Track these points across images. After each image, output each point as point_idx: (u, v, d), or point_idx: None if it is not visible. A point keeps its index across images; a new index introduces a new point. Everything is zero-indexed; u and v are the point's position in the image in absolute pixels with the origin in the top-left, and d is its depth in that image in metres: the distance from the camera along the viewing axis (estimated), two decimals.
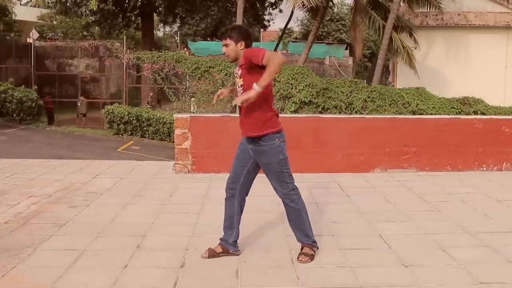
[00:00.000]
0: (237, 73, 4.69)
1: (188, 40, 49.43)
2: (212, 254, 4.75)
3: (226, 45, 4.63)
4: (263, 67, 4.35)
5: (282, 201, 4.78)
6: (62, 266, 4.52)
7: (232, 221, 4.83)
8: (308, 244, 4.77)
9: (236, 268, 4.53)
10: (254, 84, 4.33)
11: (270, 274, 4.40)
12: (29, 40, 31.17)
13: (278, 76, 22.79)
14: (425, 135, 8.81)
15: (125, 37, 29.95)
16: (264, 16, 39.52)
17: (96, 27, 39.92)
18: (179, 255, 4.82)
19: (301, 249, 4.77)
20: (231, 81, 4.68)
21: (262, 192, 5.84)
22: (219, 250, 4.78)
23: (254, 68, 4.45)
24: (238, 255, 4.80)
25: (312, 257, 4.70)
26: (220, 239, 4.85)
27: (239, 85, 4.63)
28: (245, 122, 4.64)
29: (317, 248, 4.81)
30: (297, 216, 4.75)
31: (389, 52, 25.23)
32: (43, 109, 28.01)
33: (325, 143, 8.68)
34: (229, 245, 4.80)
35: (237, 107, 4.71)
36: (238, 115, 4.77)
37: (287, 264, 4.62)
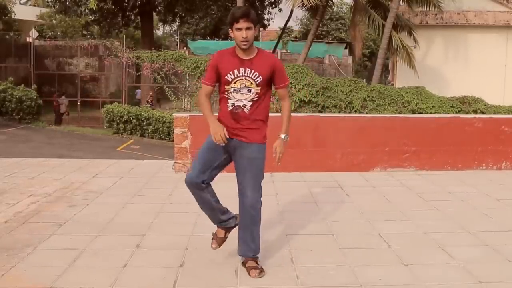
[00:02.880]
0: (249, 75, 4.21)
1: (188, 39, 49.46)
2: (220, 242, 4.62)
3: (249, 28, 4.11)
4: (269, 86, 4.27)
5: (246, 210, 4.32)
6: (61, 265, 4.53)
7: (210, 205, 4.47)
8: (255, 258, 4.44)
9: (236, 267, 4.52)
10: (283, 135, 4.32)
11: (269, 273, 4.40)
12: (29, 39, 31.17)
13: None
14: (424, 134, 8.81)
15: (124, 36, 29.96)
16: (264, 15, 39.46)
17: (96, 26, 39.90)
18: (178, 254, 4.81)
19: (245, 263, 4.42)
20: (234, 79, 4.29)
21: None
22: (222, 233, 4.61)
23: (269, 82, 4.28)
24: (237, 221, 4.54)
25: (262, 269, 4.37)
26: (216, 224, 4.62)
27: (249, 91, 4.23)
28: (248, 127, 4.26)
29: (259, 260, 4.49)
30: (254, 228, 4.40)
31: (388, 51, 25.20)
32: (53, 108, 28.15)
33: (324, 142, 8.68)
34: (227, 222, 4.58)
35: (233, 108, 4.27)
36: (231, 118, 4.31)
37: (287, 263, 4.62)
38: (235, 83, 4.22)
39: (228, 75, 4.21)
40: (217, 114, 4.43)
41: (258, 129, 4.31)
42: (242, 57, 4.22)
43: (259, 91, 4.24)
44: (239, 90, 4.22)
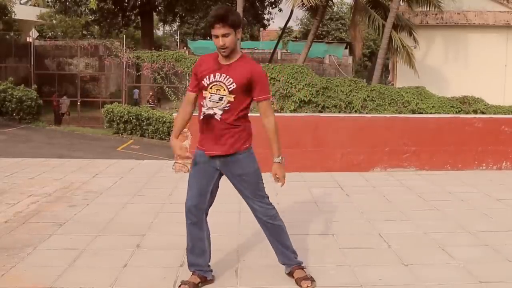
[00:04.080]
0: (223, 81, 3.89)
1: (188, 39, 49.48)
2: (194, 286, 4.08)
3: (225, 35, 3.78)
4: (249, 97, 3.95)
5: (262, 222, 4.16)
6: (61, 265, 4.53)
7: (203, 246, 4.13)
8: (298, 266, 4.27)
9: (236, 267, 4.53)
10: (277, 158, 3.98)
11: (269, 274, 4.40)
12: (29, 39, 31.17)
13: (277, 75, 22.81)
14: (424, 134, 8.81)
15: (124, 36, 29.95)
16: (264, 15, 39.49)
17: (96, 26, 39.95)
18: (178, 254, 4.81)
19: (292, 273, 4.23)
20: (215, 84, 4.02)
21: None
22: (197, 280, 4.10)
23: (246, 92, 3.91)
24: (213, 281, 4.21)
25: (312, 279, 4.18)
26: (194, 268, 4.15)
27: (221, 99, 3.89)
28: (224, 137, 3.94)
29: (305, 267, 4.35)
30: (281, 233, 4.23)
31: (388, 51, 25.21)
32: (53, 108, 28.15)
33: (324, 142, 8.68)
34: (206, 272, 4.17)
35: (204, 117, 3.97)
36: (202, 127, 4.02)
37: None
38: (210, 88, 3.90)
39: (205, 79, 3.93)
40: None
41: (235, 135, 3.96)
42: (221, 62, 3.93)
43: (232, 99, 3.88)
44: (213, 98, 3.90)
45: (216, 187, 4.15)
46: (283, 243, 4.26)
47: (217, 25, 3.76)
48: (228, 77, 3.89)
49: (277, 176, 4.06)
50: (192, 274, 4.15)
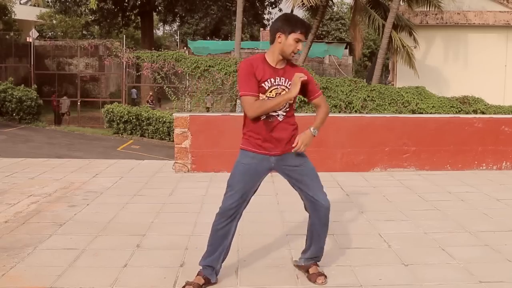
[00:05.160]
0: (284, 84, 4.02)
1: (188, 39, 49.46)
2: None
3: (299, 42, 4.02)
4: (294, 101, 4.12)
5: (319, 211, 4.18)
6: (61, 265, 4.52)
7: (224, 244, 4.12)
8: (316, 262, 4.36)
9: (236, 267, 4.52)
10: (312, 128, 4.09)
11: (270, 274, 4.40)
12: (29, 39, 31.17)
13: None
14: (425, 134, 8.81)
15: (124, 36, 29.94)
16: (264, 15, 39.56)
17: (96, 26, 39.99)
18: (179, 254, 4.81)
19: (308, 268, 4.31)
20: (272, 87, 4.07)
21: (261, 191, 5.82)
22: (202, 281, 4.09)
23: (299, 93, 4.03)
24: (216, 283, 4.18)
25: (325, 276, 4.26)
26: (205, 266, 4.14)
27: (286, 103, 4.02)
28: (286, 136, 4.09)
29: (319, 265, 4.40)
30: (328, 225, 4.28)
31: (388, 51, 25.22)
32: (53, 108, 28.14)
33: (324, 142, 8.67)
34: (212, 275, 4.14)
35: (267, 118, 4.02)
36: (270, 125, 4.05)
37: (287, 263, 4.62)
38: (270, 92, 3.99)
39: (266, 83, 3.97)
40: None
41: (295, 132, 4.13)
42: (274, 65, 4.03)
43: (291, 101, 4.06)
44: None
45: (257, 188, 4.20)
46: (325, 236, 4.31)
47: (303, 33, 3.98)
48: (287, 80, 4.01)
49: (299, 138, 4.05)
50: (198, 274, 4.14)
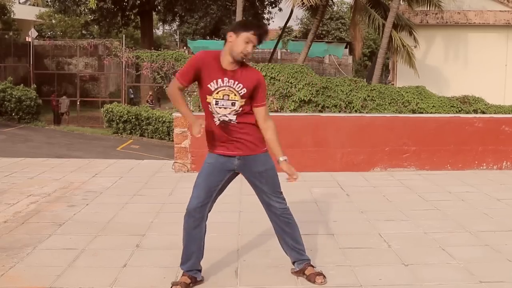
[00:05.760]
0: (232, 86, 3.93)
1: (188, 39, 49.45)
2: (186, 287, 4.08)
3: (254, 47, 3.96)
4: (249, 101, 4.00)
5: (277, 218, 4.22)
6: (61, 265, 4.51)
7: (200, 245, 4.12)
8: (308, 263, 4.30)
9: (236, 267, 4.52)
10: (282, 158, 4.04)
11: (269, 274, 4.39)
12: (28, 39, 31.17)
13: (277, 74, 22.79)
14: (425, 134, 8.80)
15: (124, 36, 29.95)
16: (264, 15, 39.51)
17: (95, 26, 39.96)
18: (178, 254, 4.77)
19: (304, 270, 4.25)
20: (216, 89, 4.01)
21: None
22: (188, 281, 4.08)
23: (251, 97, 3.98)
24: (202, 282, 4.20)
25: (324, 275, 4.23)
26: (186, 268, 4.13)
27: (233, 104, 3.94)
28: (243, 139, 4.02)
29: (314, 265, 4.37)
30: (295, 229, 4.29)
31: (388, 51, 25.19)
32: (52, 108, 28.14)
33: (324, 142, 8.67)
34: (196, 273, 4.16)
35: (220, 123, 3.98)
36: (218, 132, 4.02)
37: (287, 263, 4.59)
38: (217, 93, 3.92)
39: (212, 83, 3.92)
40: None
41: (253, 136, 4.05)
42: (225, 66, 3.92)
43: (243, 103, 3.96)
44: (223, 104, 3.93)
45: (223, 188, 4.16)
46: (296, 239, 4.28)
47: (255, 35, 3.90)
48: (237, 83, 3.92)
49: (289, 172, 4.08)
50: (183, 274, 4.14)
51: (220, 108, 3.95)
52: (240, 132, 4.01)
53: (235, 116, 3.97)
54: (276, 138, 4.10)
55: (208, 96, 3.95)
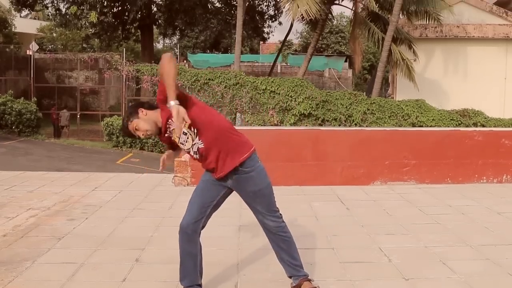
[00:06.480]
0: (170, 128, 3.92)
1: (188, 53, 49.63)
2: None
3: (137, 129, 3.94)
4: (190, 109, 3.77)
5: (273, 235, 4.18)
6: (60, 280, 4.50)
7: (196, 261, 4.09)
8: (305, 278, 4.23)
9: (236, 281, 4.50)
10: (173, 102, 3.61)
11: None
12: (29, 52, 31.23)
13: (277, 88, 22.84)
14: (425, 148, 8.80)
15: (124, 49, 30.01)
16: (264, 29, 39.59)
17: (96, 40, 40.04)
18: (178, 268, 4.77)
19: (300, 286, 4.19)
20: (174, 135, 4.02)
21: None
22: None
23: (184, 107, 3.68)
24: None
25: None
26: (186, 284, 4.13)
27: (185, 134, 3.87)
28: (220, 158, 3.94)
29: (312, 279, 4.30)
30: (291, 245, 4.22)
31: (388, 64, 25.28)
32: (52, 121, 28.12)
33: (324, 156, 8.67)
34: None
35: (193, 153, 4.00)
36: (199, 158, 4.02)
37: (287, 278, 4.57)
38: (172, 137, 3.98)
39: (167, 134, 4.02)
40: None
41: (227, 145, 3.94)
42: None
43: (191, 128, 3.84)
44: (180, 140, 3.94)
45: (218, 204, 4.15)
46: (292, 255, 4.23)
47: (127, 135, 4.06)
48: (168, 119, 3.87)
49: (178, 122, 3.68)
50: None
51: (184, 143, 3.95)
52: (214, 150, 3.93)
53: (199, 140, 3.91)
54: (170, 83, 3.66)
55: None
